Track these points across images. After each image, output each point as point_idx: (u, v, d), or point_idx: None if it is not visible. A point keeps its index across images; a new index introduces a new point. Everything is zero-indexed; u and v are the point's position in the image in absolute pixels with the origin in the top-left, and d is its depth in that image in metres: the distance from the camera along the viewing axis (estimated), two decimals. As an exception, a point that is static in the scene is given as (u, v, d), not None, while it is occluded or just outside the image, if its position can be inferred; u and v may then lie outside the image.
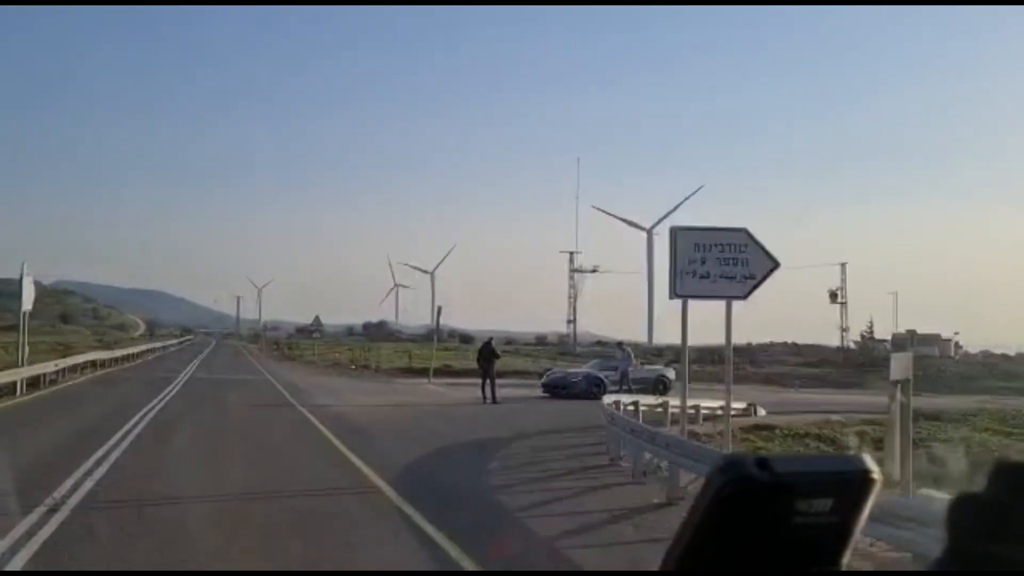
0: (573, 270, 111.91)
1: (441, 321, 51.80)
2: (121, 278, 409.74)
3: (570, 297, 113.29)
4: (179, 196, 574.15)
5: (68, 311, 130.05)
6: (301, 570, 6.93)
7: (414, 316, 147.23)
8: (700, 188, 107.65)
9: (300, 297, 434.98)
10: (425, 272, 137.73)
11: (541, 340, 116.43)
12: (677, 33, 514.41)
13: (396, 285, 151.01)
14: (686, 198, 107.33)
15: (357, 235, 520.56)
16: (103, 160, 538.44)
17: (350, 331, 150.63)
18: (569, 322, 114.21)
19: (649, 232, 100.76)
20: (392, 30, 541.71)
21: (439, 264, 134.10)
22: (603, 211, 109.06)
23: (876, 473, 0.83)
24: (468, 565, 7.02)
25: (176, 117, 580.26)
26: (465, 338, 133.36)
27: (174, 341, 77.36)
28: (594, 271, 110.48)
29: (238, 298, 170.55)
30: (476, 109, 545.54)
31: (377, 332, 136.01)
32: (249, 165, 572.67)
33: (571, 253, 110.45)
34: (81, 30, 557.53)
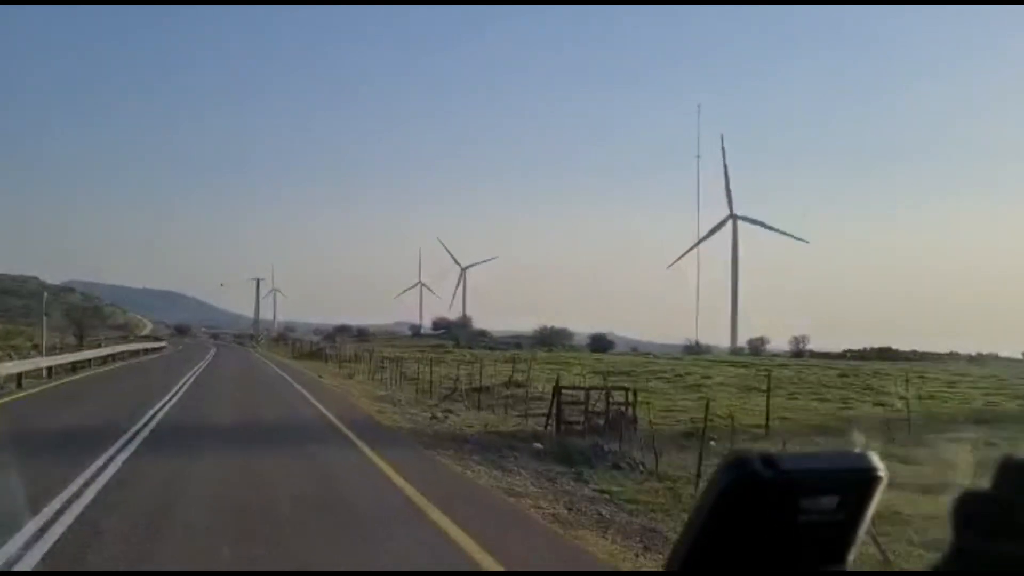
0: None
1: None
2: (133, 278, 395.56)
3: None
4: (190, 196, 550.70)
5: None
6: (301, 570, 6.40)
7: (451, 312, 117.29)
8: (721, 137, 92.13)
9: (316, 297, 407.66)
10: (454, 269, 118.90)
11: (695, 348, 70.77)
12: (691, 31, 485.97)
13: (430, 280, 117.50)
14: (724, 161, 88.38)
15: (371, 234, 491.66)
16: (118, 161, 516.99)
17: (417, 332, 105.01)
18: None
19: (734, 218, 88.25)
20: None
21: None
22: (681, 257, 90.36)
23: (882, 471, 0.81)
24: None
25: (193, 115, 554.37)
26: (600, 344, 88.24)
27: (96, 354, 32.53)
28: None
29: (257, 281, 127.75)
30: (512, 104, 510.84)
31: (459, 335, 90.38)
32: (268, 165, 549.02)
33: None
34: (88, 31, 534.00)
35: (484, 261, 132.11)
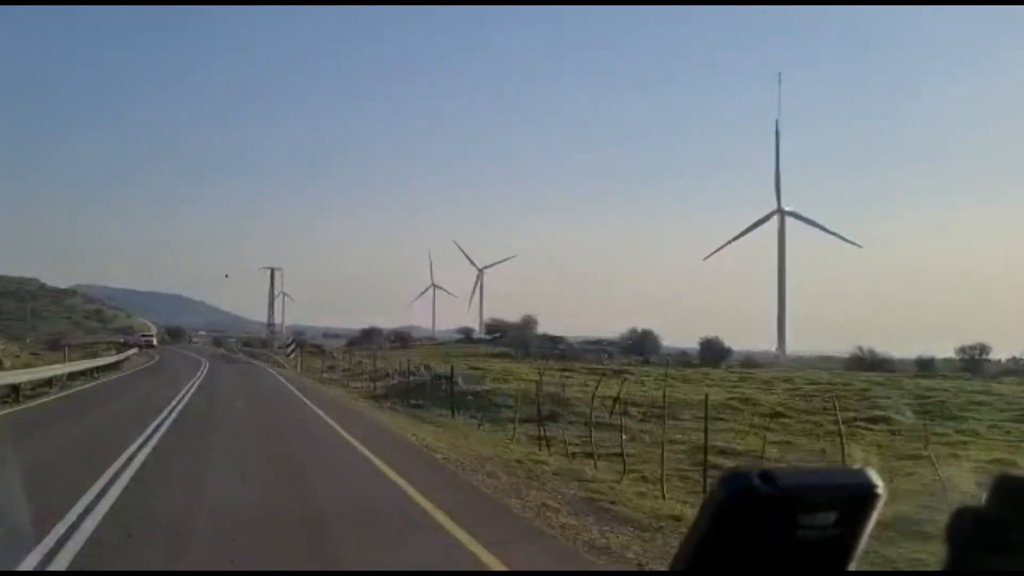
0: None
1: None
2: (139, 282, 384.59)
3: None
4: (197, 199, 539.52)
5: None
6: (301, 570, 6.48)
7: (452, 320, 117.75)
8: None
9: (323, 299, 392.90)
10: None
11: (867, 361, 50.14)
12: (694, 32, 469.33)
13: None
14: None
15: (379, 235, 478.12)
16: (124, 163, 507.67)
17: (468, 336, 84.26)
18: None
19: (780, 213, 79.29)
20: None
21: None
22: (719, 249, 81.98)
23: (880, 487, 0.81)
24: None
25: (200, 118, 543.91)
26: (713, 353, 67.64)
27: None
28: None
29: (272, 271, 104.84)
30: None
31: (528, 341, 69.50)
32: (274, 168, 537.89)
33: None
34: (95, 32, 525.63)
35: (503, 260, 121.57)
